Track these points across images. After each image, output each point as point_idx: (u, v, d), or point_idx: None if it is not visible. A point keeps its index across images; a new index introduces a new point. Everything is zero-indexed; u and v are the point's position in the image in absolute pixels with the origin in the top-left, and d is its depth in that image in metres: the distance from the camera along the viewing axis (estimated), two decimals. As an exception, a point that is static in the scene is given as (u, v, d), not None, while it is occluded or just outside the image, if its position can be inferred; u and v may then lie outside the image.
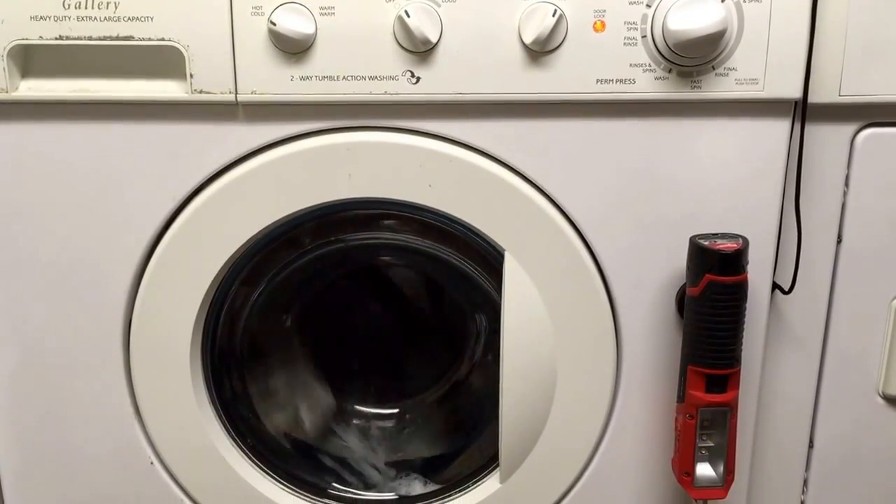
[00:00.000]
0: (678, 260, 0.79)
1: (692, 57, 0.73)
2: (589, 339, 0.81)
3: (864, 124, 0.80)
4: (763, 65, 0.74)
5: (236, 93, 0.74)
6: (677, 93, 0.75)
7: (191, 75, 0.73)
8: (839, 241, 0.83)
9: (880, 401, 0.88)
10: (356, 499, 0.92)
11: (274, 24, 0.71)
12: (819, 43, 0.75)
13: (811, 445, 0.90)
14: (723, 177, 0.78)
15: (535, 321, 0.80)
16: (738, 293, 0.75)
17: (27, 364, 0.84)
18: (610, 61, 0.74)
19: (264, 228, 0.79)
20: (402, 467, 0.95)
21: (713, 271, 0.74)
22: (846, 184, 0.82)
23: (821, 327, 0.86)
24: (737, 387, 0.78)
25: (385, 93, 0.74)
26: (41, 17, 0.72)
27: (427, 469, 0.95)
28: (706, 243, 0.75)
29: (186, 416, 0.84)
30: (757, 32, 0.73)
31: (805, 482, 0.92)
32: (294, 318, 0.97)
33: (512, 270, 0.79)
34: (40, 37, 0.73)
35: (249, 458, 0.88)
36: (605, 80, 0.74)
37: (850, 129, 0.80)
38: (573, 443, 0.85)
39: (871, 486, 0.91)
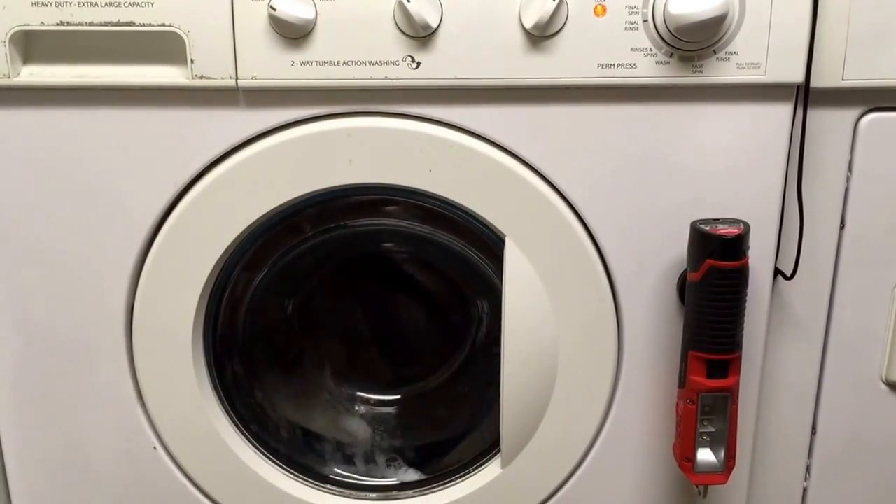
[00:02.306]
0: (679, 245, 0.79)
1: (693, 41, 0.73)
2: (590, 325, 0.81)
3: (867, 109, 0.79)
4: (765, 49, 0.74)
5: (237, 78, 0.74)
6: (678, 77, 0.74)
7: (191, 61, 0.73)
8: (842, 226, 0.83)
9: (883, 387, 0.88)
10: (357, 484, 0.92)
11: (274, 10, 0.71)
12: (822, 27, 0.74)
13: (814, 432, 0.90)
14: (724, 162, 0.78)
15: (536, 307, 0.80)
16: (738, 278, 0.75)
17: (30, 352, 0.84)
18: (611, 46, 0.73)
19: (265, 214, 0.79)
20: (404, 453, 0.96)
21: (714, 256, 0.74)
22: (849, 169, 0.81)
23: (823, 313, 0.86)
24: (738, 372, 0.78)
25: (385, 78, 0.74)
26: (42, 3, 0.72)
27: (429, 455, 0.95)
28: (707, 228, 0.75)
29: (189, 402, 0.84)
30: (759, 16, 0.73)
31: (807, 468, 0.91)
32: (296, 303, 0.97)
33: (512, 256, 0.79)
34: (42, 23, 0.73)
35: (252, 443, 0.89)
36: (606, 65, 0.74)
37: (853, 113, 0.80)
38: (574, 428, 0.85)
39: (874, 472, 0.91)
